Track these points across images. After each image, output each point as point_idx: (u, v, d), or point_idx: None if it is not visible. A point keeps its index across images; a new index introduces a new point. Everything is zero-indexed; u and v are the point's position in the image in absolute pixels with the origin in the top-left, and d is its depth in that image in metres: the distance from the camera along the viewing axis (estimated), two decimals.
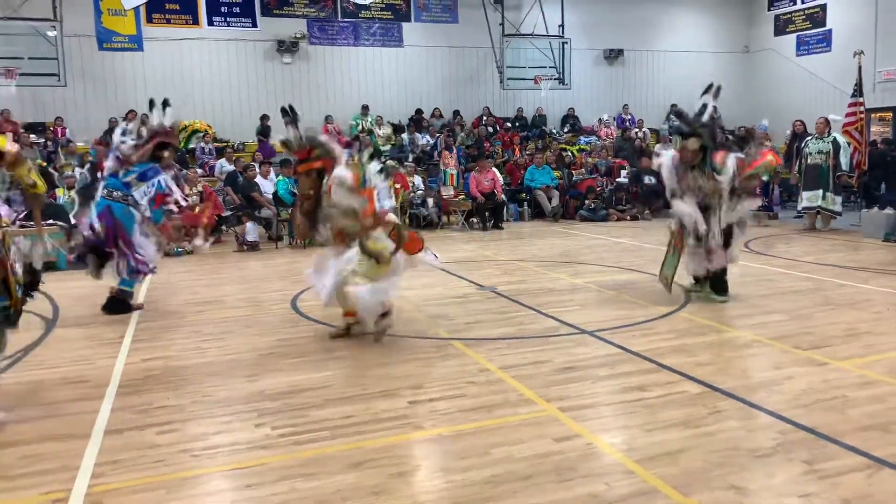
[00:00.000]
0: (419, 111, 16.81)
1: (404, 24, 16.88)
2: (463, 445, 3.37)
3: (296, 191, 5.56)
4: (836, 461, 3.13)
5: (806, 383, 4.12)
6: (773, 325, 5.41)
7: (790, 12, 18.45)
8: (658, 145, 15.22)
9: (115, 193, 6.36)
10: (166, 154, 6.61)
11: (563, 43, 16.60)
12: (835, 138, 10.85)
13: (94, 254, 6.40)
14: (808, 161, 10.94)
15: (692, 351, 4.80)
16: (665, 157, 6.25)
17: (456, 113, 17.05)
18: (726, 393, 3.99)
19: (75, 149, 13.29)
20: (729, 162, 5.90)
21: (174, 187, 6.57)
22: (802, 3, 18.08)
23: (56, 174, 11.95)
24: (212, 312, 6.39)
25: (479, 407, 3.85)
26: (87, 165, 12.48)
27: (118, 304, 6.40)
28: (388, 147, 15.50)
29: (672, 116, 6.08)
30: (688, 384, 4.15)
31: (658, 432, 3.47)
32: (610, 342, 5.05)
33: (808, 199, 10.95)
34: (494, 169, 13.51)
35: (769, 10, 19.06)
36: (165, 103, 6.63)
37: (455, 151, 14.52)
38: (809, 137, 11.31)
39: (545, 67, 16.67)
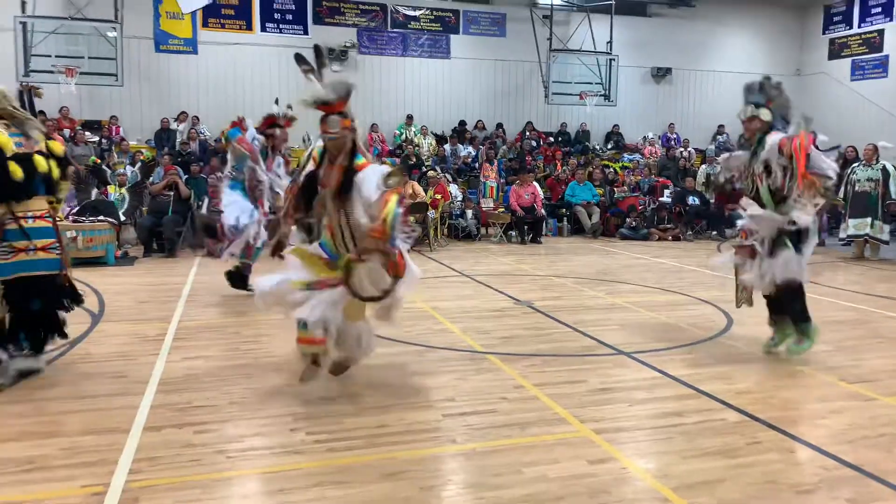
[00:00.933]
0: (463, 123, 16.87)
1: (452, 37, 16.99)
2: (495, 462, 3.35)
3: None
4: (882, 502, 3.03)
5: (851, 418, 3.99)
6: (818, 356, 5.25)
7: (846, 36, 18.06)
8: (703, 166, 15.01)
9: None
10: (277, 132, 7.45)
11: (611, 60, 16.50)
12: (884, 166, 10.58)
13: (208, 232, 7.14)
14: (857, 188, 10.67)
15: (732, 378, 4.70)
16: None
17: (499, 125, 17.07)
18: (767, 423, 3.90)
19: (128, 147, 13.67)
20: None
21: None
22: (859, 27, 17.68)
23: (108, 171, 12.29)
24: (252, 314, 6.48)
25: (513, 423, 3.83)
26: (139, 164, 12.85)
27: (239, 278, 7.06)
28: (430, 158, 15.58)
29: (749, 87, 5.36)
30: (727, 412, 4.06)
31: (694, 460, 3.41)
32: (648, 365, 4.97)
33: (854, 226, 10.67)
34: (535, 183, 13.47)
35: (824, 33, 18.68)
36: (276, 102, 7.61)
37: (496, 164, 14.52)
38: (857, 164, 11.04)
39: (591, 83, 16.59)
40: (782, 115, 5.30)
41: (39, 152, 4.38)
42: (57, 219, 4.59)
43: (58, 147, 4.55)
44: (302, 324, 4.03)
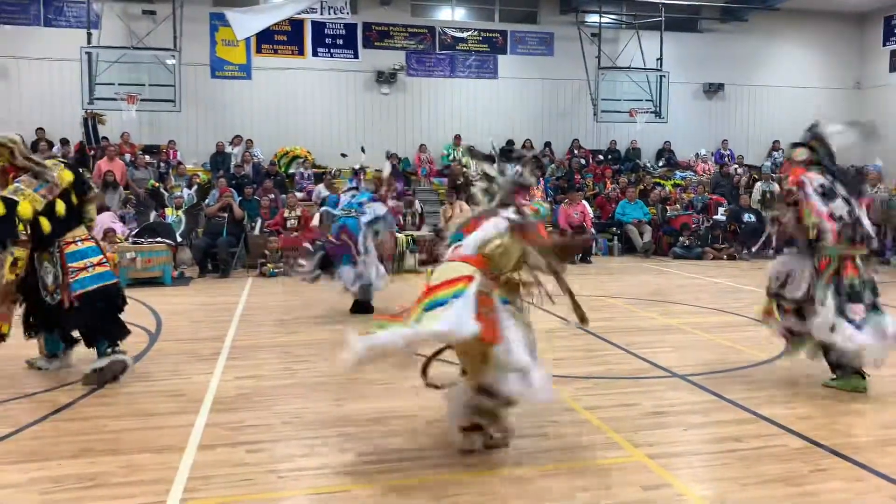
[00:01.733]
0: (510, 142, 16.86)
1: (500, 57, 17.06)
2: (546, 487, 3.29)
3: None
4: None
5: None
6: (885, 380, 5.01)
7: None
8: (758, 183, 14.65)
9: (351, 212, 7.52)
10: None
11: (661, 76, 16.31)
12: None
13: (323, 260, 7.44)
14: None
15: (792, 402, 4.53)
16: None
17: (547, 144, 17.01)
18: (830, 450, 3.73)
19: (185, 171, 14.10)
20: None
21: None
22: None
23: (166, 194, 12.69)
24: (302, 334, 6.57)
25: (564, 448, 3.76)
26: (195, 187, 13.23)
27: (361, 306, 7.44)
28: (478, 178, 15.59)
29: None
30: (787, 437, 3.91)
31: (754, 487, 3.29)
32: (704, 388, 4.83)
33: None
34: (584, 202, 13.34)
35: (885, 44, 18.08)
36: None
37: (542, 183, 14.43)
38: None
39: (641, 100, 16.40)
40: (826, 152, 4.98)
41: (60, 194, 4.78)
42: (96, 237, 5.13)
43: (66, 175, 4.88)
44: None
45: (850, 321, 4.49)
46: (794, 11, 17.76)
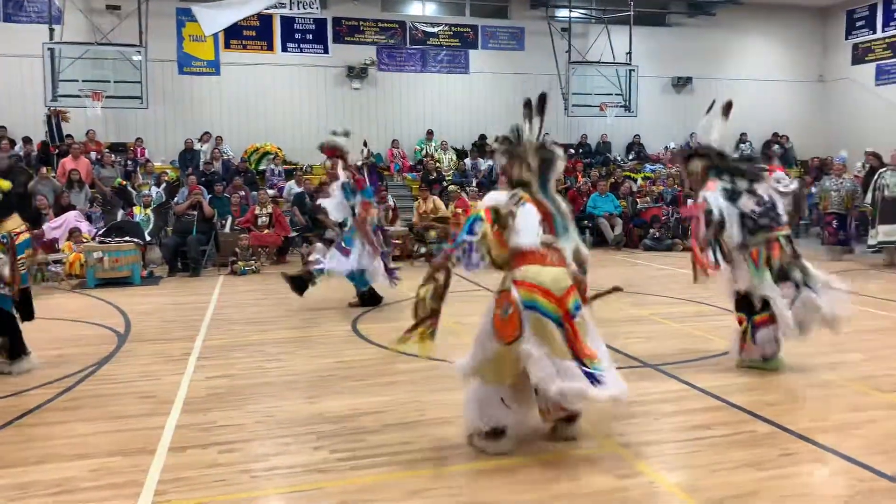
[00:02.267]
0: (483, 136, 16.89)
1: (471, 52, 17.07)
2: (522, 478, 3.31)
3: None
4: None
5: (887, 428, 3.89)
6: (851, 366, 5.14)
7: (869, 41, 17.82)
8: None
9: None
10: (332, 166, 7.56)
11: (630, 70, 16.44)
12: None
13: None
14: (885, 194, 10.45)
15: (762, 389, 4.61)
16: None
17: None
18: (798, 435, 3.80)
19: (153, 168, 13.88)
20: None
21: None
22: (883, 31, 17.44)
23: (134, 192, 12.49)
24: (274, 332, 6.52)
25: (539, 439, 3.77)
26: (163, 185, 13.04)
27: (367, 297, 7.56)
28: (450, 172, 15.61)
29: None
30: (756, 424, 3.98)
31: (725, 473, 3.34)
32: (675, 377, 4.90)
33: (885, 233, 10.43)
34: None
35: (846, 38, 18.45)
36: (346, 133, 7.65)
37: None
38: (885, 170, 10.82)
39: (611, 94, 16.52)
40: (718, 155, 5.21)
41: None
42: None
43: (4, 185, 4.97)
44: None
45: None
46: (759, 6, 18.03)
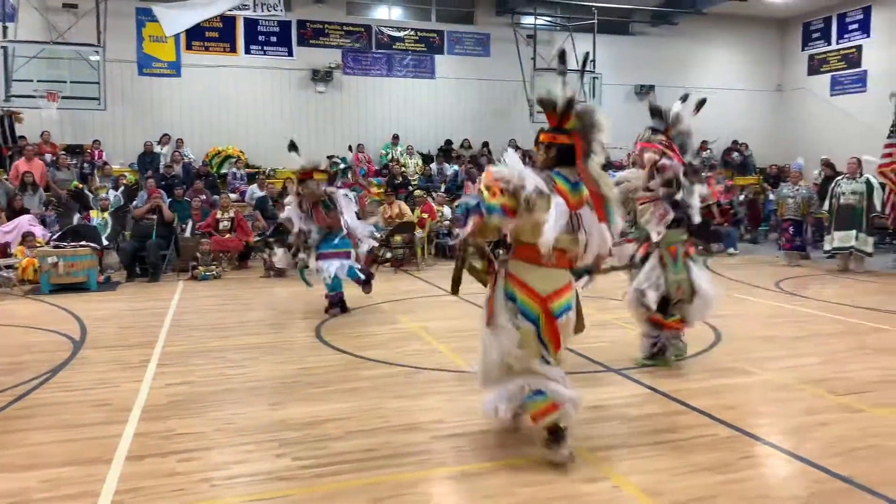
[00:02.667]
0: (449, 142, 16.92)
1: (437, 57, 17.09)
2: (486, 483, 3.30)
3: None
4: None
5: (841, 430, 3.98)
6: (806, 369, 5.26)
7: (825, 52, 18.34)
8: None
9: None
10: (300, 189, 7.36)
11: (594, 78, 16.65)
12: (868, 179, 10.67)
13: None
14: (841, 201, 10.75)
15: (722, 393, 4.68)
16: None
17: (485, 144, 17.13)
18: (757, 438, 3.88)
19: (111, 171, 13.56)
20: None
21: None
22: (837, 43, 17.97)
23: (91, 196, 12.19)
24: (236, 338, 6.41)
25: (503, 444, 3.78)
26: (122, 188, 12.76)
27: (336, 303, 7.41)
28: (416, 177, 15.59)
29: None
30: (717, 427, 4.04)
31: (687, 476, 3.38)
32: (638, 381, 4.95)
33: (840, 239, 10.73)
34: None
35: (803, 49, 18.97)
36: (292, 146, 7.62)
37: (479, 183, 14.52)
38: (841, 178, 11.13)
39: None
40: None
41: None
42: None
43: None
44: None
45: None
46: (720, 16, 18.43)
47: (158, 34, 14.19)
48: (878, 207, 10.55)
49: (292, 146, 7.45)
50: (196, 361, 5.56)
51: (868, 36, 17.17)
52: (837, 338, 6.35)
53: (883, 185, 10.78)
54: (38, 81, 13.11)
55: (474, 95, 17.40)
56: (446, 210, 13.39)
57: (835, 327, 6.79)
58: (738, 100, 18.64)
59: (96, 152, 14.22)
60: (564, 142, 3.54)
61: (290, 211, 7.42)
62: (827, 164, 13.32)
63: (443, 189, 14.89)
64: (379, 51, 16.71)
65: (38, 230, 10.28)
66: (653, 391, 4.72)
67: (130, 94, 14.93)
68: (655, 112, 5.37)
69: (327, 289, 7.34)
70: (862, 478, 3.33)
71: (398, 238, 11.55)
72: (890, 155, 11.17)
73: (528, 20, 17.11)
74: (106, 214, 11.22)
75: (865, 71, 17.18)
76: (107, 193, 12.05)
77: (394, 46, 16.79)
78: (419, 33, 16.98)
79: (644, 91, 18.38)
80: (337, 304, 7.41)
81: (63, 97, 13.20)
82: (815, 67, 18.63)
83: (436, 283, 9.87)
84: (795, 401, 4.58)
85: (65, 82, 13.38)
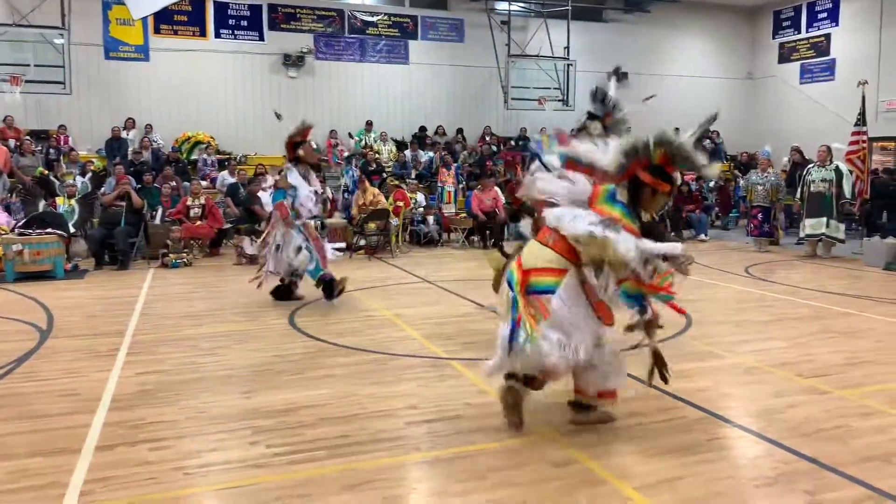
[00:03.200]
0: (423, 128, 16.85)
1: (411, 42, 16.96)
2: (459, 468, 3.31)
3: None
4: (839, 492, 3.08)
5: (807, 412, 4.07)
6: (774, 352, 5.36)
7: (794, 41, 18.57)
8: None
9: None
10: (301, 152, 7.23)
11: (568, 65, 16.68)
12: (837, 166, 10.86)
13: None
14: (812, 189, 10.93)
15: (692, 376, 4.75)
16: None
17: (459, 131, 17.10)
18: (726, 420, 3.95)
19: (77, 157, 13.29)
20: None
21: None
22: (807, 32, 18.20)
23: (57, 182, 11.94)
24: (208, 326, 6.34)
25: (477, 429, 3.80)
26: (89, 174, 12.51)
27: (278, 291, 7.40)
28: (390, 164, 15.51)
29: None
30: (687, 410, 4.10)
31: (657, 459, 3.42)
32: None
33: (811, 226, 10.93)
34: (497, 188, 13.50)
35: (773, 38, 19.18)
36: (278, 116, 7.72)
37: (453, 169, 14.51)
38: (812, 165, 11.31)
39: (550, 88, 16.72)
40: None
41: None
42: None
43: None
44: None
45: None
46: (692, 4, 18.56)
47: (125, 17, 13.86)
48: (848, 194, 10.75)
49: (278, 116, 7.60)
50: (167, 350, 5.50)
51: (836, 24, 17.41)
52: (804, 322, 6.48)
53: (851, 172, 11.00)
54: (1, 65, 12.76)
55: (449, 81, 17.32)
56: (420, 197, 13.36)
57: (802, 311, 6.92)
58: (709, 87, 18.81)
59: (62, 138, 13.91)
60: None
61: (295, 180, 7.13)
62: (797, 151, 13.52)
63: (413, 175, 14.84)
64: (352, 35, 16.54)
65: (3, 217, 10.06)
66: None
67: (97, 78, 14.60)
68: (597, 96, 5.11)
69: (311, 275, 7.23)
70: (827, 458, 3.40)
71: (372, 225, 11.50)
72: (857, 143, 11.40)
73: (502, 6, 17.05)
74: (73, 201, 11.00)
75: (834, 59, 17.43)
76: (73, 180, 11.81)
77: (367, 31, 16.63)
78: (393, 18, 16.84)
79: (618, 78, 18.46)
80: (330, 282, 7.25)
81: (27, 81, 12.85)
82: (785, 56, 18.86)
83: (409, 269, 9.87)
84: (764, 383, 4.67)
85: (28, 66, 13.02)
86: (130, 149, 13.89)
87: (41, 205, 10.78)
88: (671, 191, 3.57)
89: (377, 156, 15.36)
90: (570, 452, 3.50)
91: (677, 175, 3.60)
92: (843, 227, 10.84)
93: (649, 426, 3.84)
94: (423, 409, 4.10)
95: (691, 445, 3.57)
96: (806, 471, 3.29)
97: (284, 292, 7.44)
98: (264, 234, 7.40)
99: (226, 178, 13.23)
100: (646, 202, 3.56)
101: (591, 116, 5.10)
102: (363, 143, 15.95)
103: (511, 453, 3.48)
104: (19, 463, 3.36)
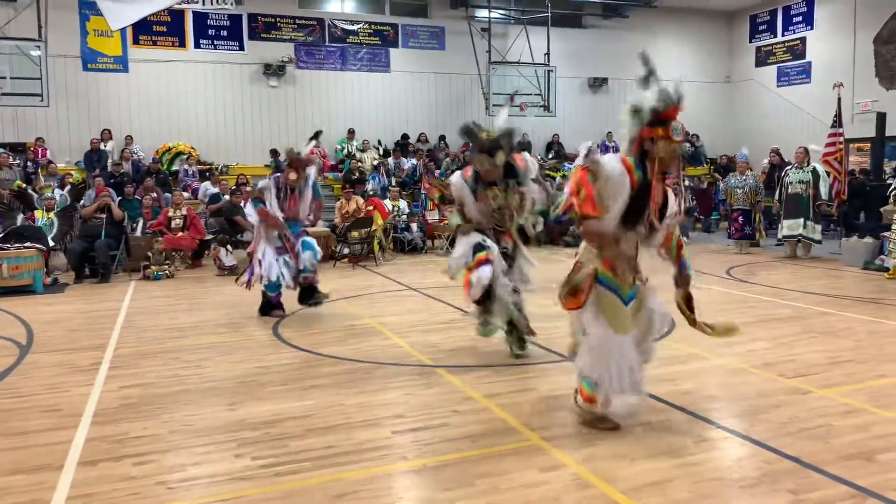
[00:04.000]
0: (405, 136, 16.87)
1: (392, 50, 17.01)
2: (447, 476, 3.31)
3: None
4: (822, 491, 3.10)
5: (790, 412, 4.10)
6: (757, 353, 5.41)
7: (771, 44, 18.83)
8: None
9: None
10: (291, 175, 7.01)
11: (549, 71, 16.79)
12: (814, 168, 10.99)
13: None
14: (789, 190, 11.06)
15: (676, 379, 4.78)
16: (454, 178, 5.46)
17: (441, 138, 17.13)
18: (711, 422, 3.97)
19: (56, 170, 13.16)
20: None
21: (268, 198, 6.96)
22: (783, 35, 18.46)
23: (35, 195, 11.80)
24: (191, 338, 6.29)
25: (464, 437, 3.79)
26: (68, 187, 12.38)
27: (265, 306, 7.18)
28: (373, 171, 15.50)
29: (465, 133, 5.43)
30: (672, 413, 4.12)
31: (643, 462, 3.44)
32: None
33: (788, 227, 11.05)
34: None
35: (750, 41, 19.45)
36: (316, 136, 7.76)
37: (437, 176, 14.52)
38: (790, 167, 11.45)
39: (530, 94, 16.82)
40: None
41: None
42: None
43: None
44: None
45: None
46: (670, 9, 18.76)
47: (103, 28, 13.78)
48: (825, 195, 10.89)
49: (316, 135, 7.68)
50: (149, 363, 5.44)
51: (811, 28, 17.68)
52: (786, 322, 6.54)
53: (829, 174, 11.14)
54: None
55: (430, 89, 17.38)
56: (402, 204, 13.35)
57: (783, 312, 7.00)
58: (688, 92, 18.37)
59: (40, 150, 13.78)
60: None
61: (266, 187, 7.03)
62: (775, 153, 13.68)
63: (394, 183, 14.81)
64: (333, 44, 16.54)
65: None
66: None
67: (75, 90, 14.49)
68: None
69: (268, 290, 7.01)
70: (810, 457, 3.44)
71: (355, 234, 11.48)
72: (833, 144, 11.55)
73: (482, 13, 17.15)
74: (52, 214, 10.88)
75: (810, 62, 17.69)
76: (52, 193, 11.69)
77: (348, 40, 16.65)
78: (373, 26, 16.87)
79: (597, 84, 18.61)
80: (278, 305, 7.14)
81: (3, 94, 12.73)
82: (762, 59, 19.12)
83: (393, 277, 9.85)
84: (747, 384, 4.70)
85: (4, 78, 12.89)
86: (110, 160, 13.77)
87: (19, 218, 10.65)
88: (667, 133, 3.88)
89: (360, 164, 15.35)
90: (557, 457, 3.50)
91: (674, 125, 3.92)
92: (819, 227, 10.97)
93: (634, 430, 3.86)
94: (409, 418, 4.09)
95: (677, 448, 3.59)
96: (789, 470, 3.32)
97: (306, 292, 7.20)
98: (252, 243, 7.27)
99: (208, 188, 13.15)
100: (661, 156, 3.82)
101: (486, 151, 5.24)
102: (345, 151, 15.94)
103: (498, 460, 3.48)
104: (1, 480, 3.31)
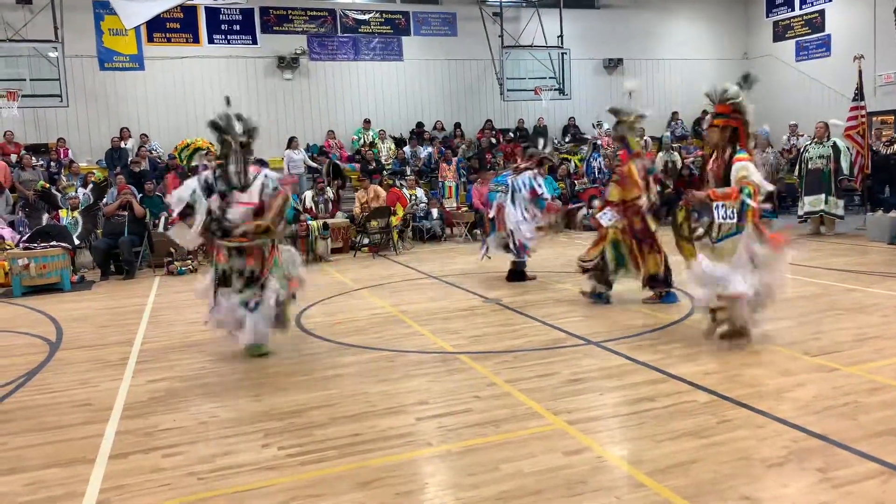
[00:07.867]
0: (420, 124, 16.84)
1: (404, 38, 16.94)
2: (471, 461, 3.33)
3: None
4: (850, 469, 3.08)
5: (816, 390, 4.07)
6: (781, 332, 5.36)
7: (788, 18, 18.48)
8: (660, 154, 15.23)
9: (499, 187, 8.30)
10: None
11: (563, 53, 16.63)
12: (835, 142, 10.82)
13: None
14: (809, 166, 10.90)
15: (699, 359, 4.76)
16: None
17: (457, 125, 17.08)
18: (735, 402, 3.95)
19: (78, 169, 13.32)
20: None
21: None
22: (801, 9, 18.11)
23: (59, 195, 11.97)
24: (216, 331, 6.35)
25: (487, 422, 3.81)
26: (91, 185, 12.54)
27: (516, 274, 8.14)
28: (389, 161, 15.51)
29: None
30: (696, 393, 4.11)
31: (668, 443, 3.44)
32: (617, 352, 5.01)
33: (810, 203, 10.90)
34: None
35: (767, 16, 19.09)
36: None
37: (454, 163, 14.50)
38: (809, 143, 11.27)
39: (545, 78, 16.68)
40: None
41: None
42: None
43: None
44: None
45: None
46: None
47: (118, 27, 13.89)
48: (846, 170, 10.71)
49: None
50: (176, 356, 5.53)
51: (830, 0, 17.32)
52: (810, 300, 6.47)
53: (850, 148, 10.96)
54: None
55: (444, 76, 17.30)
56: (419, 192, 13.36)
57: (807, 290, 6.92)
58: (705, 69, 18.73)
59: (62, 150, 13.95)
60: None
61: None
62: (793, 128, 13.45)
63: (409, 172, 14.77)
64: (345, 35, 16.52)
65: (7, 232, 10.11)
66: (632, 361, 4.78)
67: (93, 89, 14.62)
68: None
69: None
70: (837, 435, 3.41)
71: (374, 223, 11.52)
72: (855, 118, 11.35)
73: None
74: (76, 213, 11.04)
75: (829, 35, 17.34)
76: (75, 192, 11.85)
77: (360, 30, 16.61)
78: (384, 15, 16.81)
79: (612, 65, 18.42)
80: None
81: (23, 96, 12.90)
82: (779, 34, 18.77)
83: (413, 266, 9.88)
84: (771, 364, 4.67)
85: (24, 80, 13.07)
86: (130, 158, 13.91)
87: (44, 218, 10.83)
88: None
89: (377, 153, 15.36)
90: (581, 441, 3.51)
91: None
92: (841, 203, 10.81)
93: (659, 411, 3.85)
94: (432, 405, 4.12)
95: (702, 429, 3.58)
96: (816, 448, 3.30)
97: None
98: None
99: None
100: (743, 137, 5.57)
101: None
102: (361, 141, 15.95)
103: (521, 444, 3.50)
104: (35, 475, 3.39)
